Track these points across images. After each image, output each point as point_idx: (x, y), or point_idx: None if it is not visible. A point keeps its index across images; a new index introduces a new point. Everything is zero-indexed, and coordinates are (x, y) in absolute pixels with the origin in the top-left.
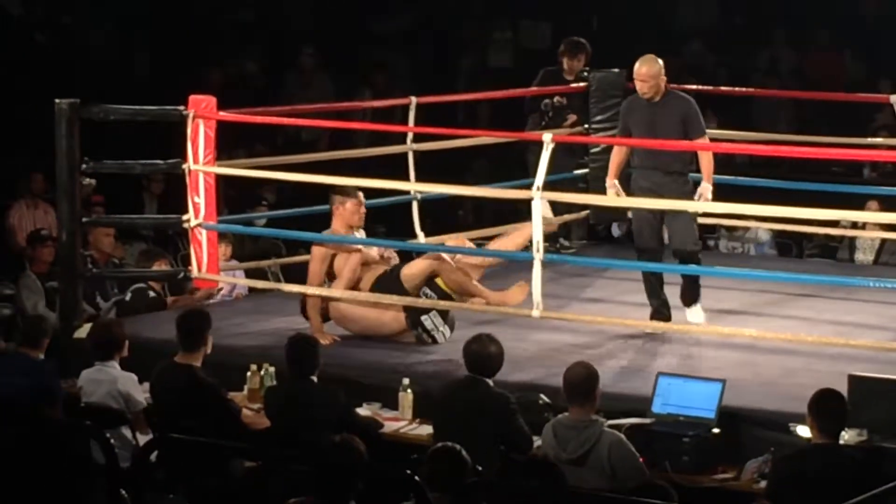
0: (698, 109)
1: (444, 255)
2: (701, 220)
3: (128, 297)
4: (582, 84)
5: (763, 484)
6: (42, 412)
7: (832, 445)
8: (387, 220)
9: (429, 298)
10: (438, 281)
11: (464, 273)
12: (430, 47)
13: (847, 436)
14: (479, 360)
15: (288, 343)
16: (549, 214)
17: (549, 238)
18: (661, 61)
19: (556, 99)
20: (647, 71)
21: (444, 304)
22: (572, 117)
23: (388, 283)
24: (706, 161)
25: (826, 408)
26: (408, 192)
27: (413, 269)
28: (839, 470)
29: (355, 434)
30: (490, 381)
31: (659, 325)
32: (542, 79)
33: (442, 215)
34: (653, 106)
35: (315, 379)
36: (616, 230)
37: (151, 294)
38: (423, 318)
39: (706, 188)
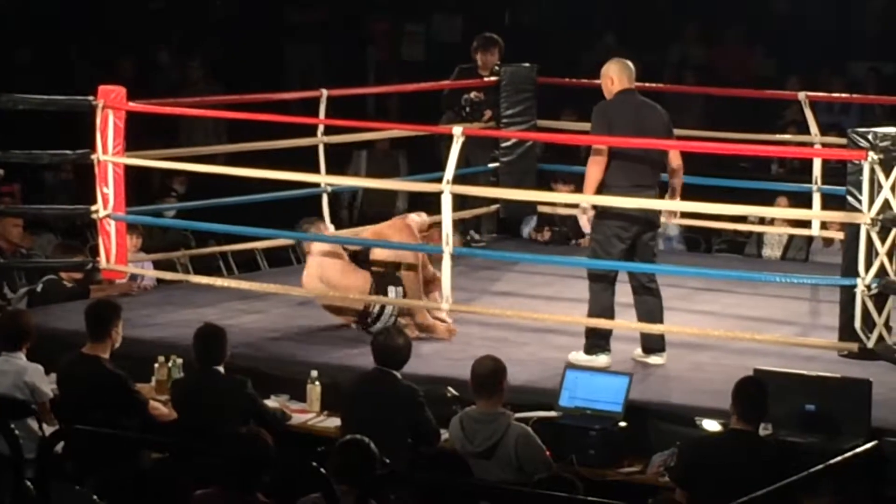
0: (596, 116)
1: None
2: None
3: (39, 287)
4: (494, 79)
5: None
6: None
7: (752, 432)
8: (297, 212)
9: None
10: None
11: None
12: (343, 39)
13: None
14: (386, 352)
15: (196, 333)
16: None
17: (460, 231)
18: (616, 65)
19: (474, 94)
20: (603, 71)
21: (360, 297)
22: (488, 113)
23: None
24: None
25: (749, 394)
26: (318, 185)
27: (384, 254)
28: (756, 456)
29: (263, 425)
30: (398, 374)
31: (563, 319)
32: (458, 76)
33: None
34: None
35: (222, 370)
36: (526, 231)
37: (68, 284)
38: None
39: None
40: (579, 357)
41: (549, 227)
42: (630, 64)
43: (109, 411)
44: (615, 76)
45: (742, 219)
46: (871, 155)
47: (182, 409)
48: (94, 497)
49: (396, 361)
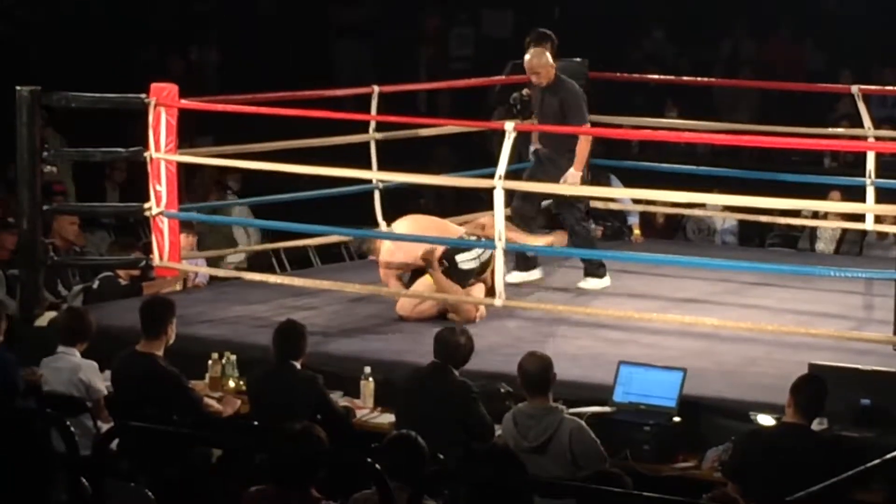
0: (579, 98)
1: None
2: (663, 210)
3: (95, 284)
4: None
5: None
6: (13, 401)
7: (805, 426)
8: (349, 209)
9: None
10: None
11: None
12: (392, 36)
13: None
14: (447, 349)
15: (276, 328)
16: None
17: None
18: (543, 53)
19: (524, 92)
20: (537, 62)
21: (417, 293)
22: None
23: None
24: (579, 148)
25: (810, 388)
26: (370, 181)
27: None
28: (809, 450)
29: (330, 422)
30: (453, 370)
31: (616, 314)
32: (511, 71)
33: (404, 204)
34: (541, 91)
35: (298, 365)
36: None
37: (122, 282)
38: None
39: (572, 174)
40: (589, 283)
41: (601, 221)
42: None
43: (163, 409)
44: (551, 62)
45: (795, 213)
46: None
47: (255, 401)
48: (149, 494)
49: (455, 359)
